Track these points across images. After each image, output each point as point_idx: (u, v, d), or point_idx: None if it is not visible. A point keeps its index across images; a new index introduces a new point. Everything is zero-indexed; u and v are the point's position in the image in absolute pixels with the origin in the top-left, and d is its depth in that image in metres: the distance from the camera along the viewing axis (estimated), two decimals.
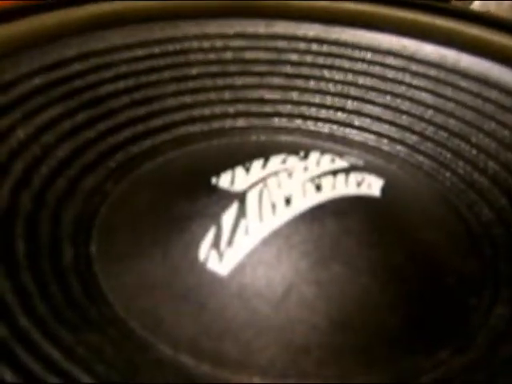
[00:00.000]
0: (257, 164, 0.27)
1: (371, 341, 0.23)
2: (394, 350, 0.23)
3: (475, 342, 0.23)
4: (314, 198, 0.26)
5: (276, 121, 0.34)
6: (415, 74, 0.35)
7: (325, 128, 0.34)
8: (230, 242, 0.24)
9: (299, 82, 0.35)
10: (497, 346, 0.23)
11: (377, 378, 0.22)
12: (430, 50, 0.36)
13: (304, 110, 0.35)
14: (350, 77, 0.35)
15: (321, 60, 0.36)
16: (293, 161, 0.28)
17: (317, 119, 0.34)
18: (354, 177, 0.28)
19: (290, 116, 0.34)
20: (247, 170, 0.27)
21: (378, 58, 0.36)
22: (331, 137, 0.34)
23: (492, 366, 0.22)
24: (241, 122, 0.34)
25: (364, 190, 0.27)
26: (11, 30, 0.33)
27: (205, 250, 0.24)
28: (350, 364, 0.22)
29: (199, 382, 0.21)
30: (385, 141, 0.33)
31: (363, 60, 0.36)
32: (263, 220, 0.25)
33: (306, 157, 0.28)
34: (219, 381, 0.21)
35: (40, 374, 0.19)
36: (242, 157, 0.29)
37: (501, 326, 0.23)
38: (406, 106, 0.34)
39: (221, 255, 0.24)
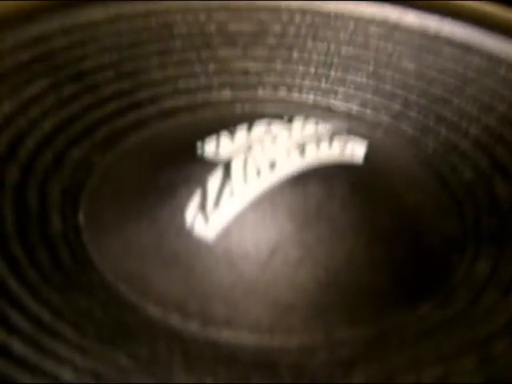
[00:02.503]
0: (241, 131, 0.28)
1: (355, 298, 0.23)
2: (377, 306, 0.23)
3: (456, 296, 0.24)
4: (298, 163, 0.26)
5: (260, 92, 0.34)
6: (398, 42, 0.35)
7: (309, 97, 0.34)
8: (215, 206, 0.24)
9: (283, 53, 0.36)
10: (477, 299, 0.23)
11: (361, 333, 0.22)
12: (412, 19, 0.36)
13: (288, 80, 0.35)
14: (333, 46, 0.35)
15: (304, 30, 0.36)
16: (277, 127, 0.28)
17: (301, 89, 0.35)
18: (337, 142, 0.28)
19: (275, 86, 0.34)
20: (232, 137, 0.28)
21: (361, 27, 0.36)
22: (316, 106, 0.34)
23: (472, 318, 0.22)
24: (225, 94, 0.34)
25: (347, 155, 0.28)
26: None
27: (191, 215, 0.25)
28: (335, 320, 0.23)
29: (188, 339, 0.21)
30: (368, 108, 0.33)
31: (346, 29, 0.36)
32: (248, 184, 0.25)
33: (290, 122, 0.29)
34: (207, 338, 0.22)
35: (31, 334, 0.20)
36: (226, 126, 0.29)
37: (481, 281, 0.24)
38: (389, 74, 0.34)
39: (207, 219, 0.24)
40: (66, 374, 0.19)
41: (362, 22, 0.36)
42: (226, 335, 0.22)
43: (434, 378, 0.20)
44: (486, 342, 0.21)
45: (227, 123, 0.30)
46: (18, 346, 0.19)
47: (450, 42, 0.35)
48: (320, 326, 0.23)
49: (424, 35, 0.35)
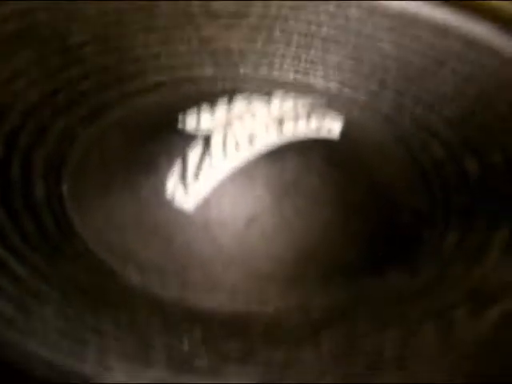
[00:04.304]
0: (222, 106, 0.29)
1: (329, 267, 0.25)
2: (349, 276, 0.25)
3: (424, 267, 0.25)
4: (276, 137, 0.27)
5: (242, 70, 0.35)
6: (377, 24, 0.36)
7: (289, 77, 0.35)
8: (195, 178, 0.25)
9: (264, 33, 0.36)
10: (444, 270, 0.24)
11: (332, 300, 0.23)
12: (391, 2, 0.37)
13: (269, 59, 0.36)
14: (313, 27, 0.36)
15: (285, 11, 0.37)
16: (256, 102, 0.29)
17: (281, 68, 0.35)
18: (315, 118, 0.29)
19: (256, 65, 0.35)
20: (212, 112, 0.28)
21: (341, 8, 0.37)
22: (295, 84, 0.35)
23: (438, 288, 0.23)
24: (208, 71, 0.35)
25: (324, 131, 0.29)
26: None
27: (171, 186, 0.25)
28: (308, 288, 0.24)
29: (166, 304, 0.22)
30: (346, 88, 0.34)
31: (326, 11, 0.37)
32: (227, 157, 0.26)
33: (269, 98, 0.29)
34: (186, 304, 0.23)
35: (18, 297, 0.20)
36: (209, 102, 0.30)
37: (448, 254, 0.25)
38: (367, 55, 0.35)
39: (187, 191, 0.25)
40: (51, 335, 0.20)
41: (342, 3, 0.37)
42: (203, 301, 0.23)
43: (396, 340, 0.21)
44: (448, 310, 0.22)
45: (208, 99, 0.31)
46: (4, 308, 0.20)
47: (427, 24, 0.36)
48: (294, 293, 0.24)
49: (402, 17, 0.36)
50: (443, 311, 0.22)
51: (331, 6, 0.37)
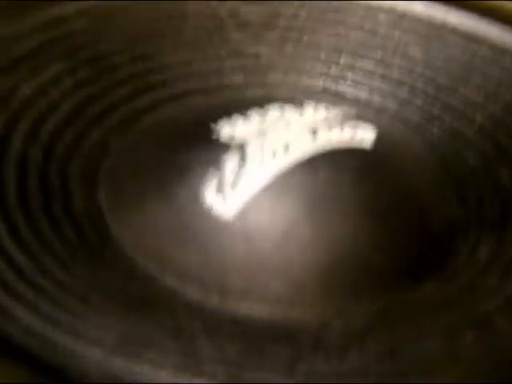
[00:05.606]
0: (255, 115, 0.29)
1: (364, 275, 0.25)
2: (384, 284, 0.25)
3: (458, 277, 0.25)
4: (310, 146, 0.27)
5: (271, 76, 0.35)
6: (405, 30, 0.36)
7: (319, 82, 0.35)
8: (232, 188, 0.26)
9: (293, 40, 0.36)
10: (477, 281, 0.25)
11: (367, 310, 0.23)
12: (420, 7, 0.37)
13: (298, 66, 0.36)
14: (342, 33, 0.36)
15: (315, 15, 0.37)
16: (290, 111, 0.29)
17: (310, 75, 0.35)
18: (348, 127, 0.29)
19: (285, 71, 0.35)
20: (246, 121, 0.29)
21: (370, 14, 0.37)
22: (325, 91, 0.35)
23: (472, 298, 0.23)
24: (237, 78, 0.35)
25: (357, 141, 0.29)
26: None
27: (209, 195, 0.26)
28: (345, 295, 0.24)
29: (207, 311, 0.23)
30: (376, 95, 0.34)
31: (355, 17, 0.37)
32: (264, 165, 0.26)
33: (301, 107, 0.30)
34: (226, 310, 0.23)
35: (61, 300, 0.21)
36: (239, 109, 0.30)
37: (482, 264, 0.25)
38: (396, 61, 0.35)
39: (224, 200, 0.25)
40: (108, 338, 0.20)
41: (370, 9, 0.37)
42: (244, 307, 0.23)
43: (436, 346, 0.21)
44: (484, 320, 0.22)
45: (239, 107, 0.31)
46: (48, 310, 0.20)
47: (456, 31, 0.36)
48: (331, 300, 0.24)
49: (431, 24, 0.36)
50: (481, 319, 0.22)
51: (359, 14, 0.37)
